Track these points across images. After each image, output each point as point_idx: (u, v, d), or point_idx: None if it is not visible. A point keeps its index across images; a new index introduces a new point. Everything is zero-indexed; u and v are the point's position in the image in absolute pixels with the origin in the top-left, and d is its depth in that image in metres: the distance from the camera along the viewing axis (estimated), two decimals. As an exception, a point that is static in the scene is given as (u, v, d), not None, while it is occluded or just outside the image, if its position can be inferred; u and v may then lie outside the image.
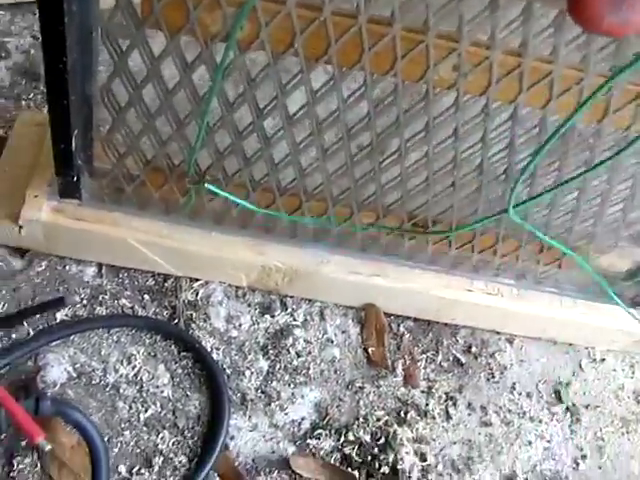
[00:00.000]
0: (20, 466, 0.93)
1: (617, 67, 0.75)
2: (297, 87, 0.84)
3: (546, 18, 0.76)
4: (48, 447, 0.79)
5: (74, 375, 1.01)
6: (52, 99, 0.82)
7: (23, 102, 1.24)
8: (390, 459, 1.05)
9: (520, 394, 1.19)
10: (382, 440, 1.07)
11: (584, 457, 1.17)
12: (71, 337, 1.04)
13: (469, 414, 1.15)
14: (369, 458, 1.05)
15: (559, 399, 1.21)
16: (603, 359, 1.27)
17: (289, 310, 1.14)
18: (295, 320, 1.14)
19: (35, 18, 1.31)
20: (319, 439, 1.06)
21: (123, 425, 1.00)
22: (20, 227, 1.02)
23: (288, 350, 1.11)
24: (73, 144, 0.89)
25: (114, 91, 0.87)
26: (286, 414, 1.07)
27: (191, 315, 1.09)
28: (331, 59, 0.79)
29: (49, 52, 0.76)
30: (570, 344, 1.26)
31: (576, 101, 0.82)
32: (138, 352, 1.05)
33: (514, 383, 1.20)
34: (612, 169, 0.95)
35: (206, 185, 0.94)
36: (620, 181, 0.97)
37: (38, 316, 1.04)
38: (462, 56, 0.79)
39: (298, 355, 1.11)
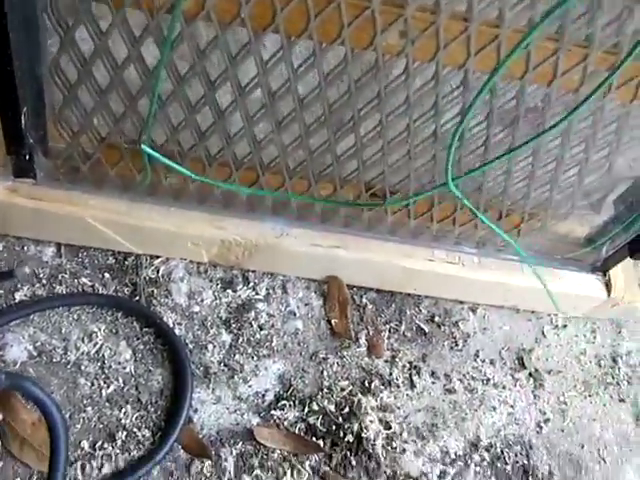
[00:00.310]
0: (-20, 444, 0.94)
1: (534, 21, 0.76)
2: (247, 58, 0.83)
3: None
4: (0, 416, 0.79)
5: (34, 354, 1.01)
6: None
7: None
8: (355, 428, 1.06)
9: (483, 361, 1.21)
10: (346, 409, 1.08)
11: (547, 421, 1.19)
12: (31, 316, 1.03)
13: (433, 382, 1.16)
14: (334, 427, 1.06)
15: (522, 365, 1.23)
16: (565, 325, 1.29)
17: (251, 284, 1.15)
18: (257, 294, 1.14)
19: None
20: (283, 410, 1.06)
21: (85, 401, 1.00)
22: (-28, 210, 1.01)
23: (251, 323, 1.11)
24: (23, 122, 0.88)
25: (64, 69, 0.86)
26: (250, 386, 1.07)
27: (152, 292, 1.09)
28: (278, 28, 0.79)
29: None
30: (532, 311, 1.28)
31: (524, 63, 0.82)
32: (99, 329, 1.05)
33: (477, 351, 1.22)
34: (564, 133, 0.95)
35: (143, 147, 0.93)
36: (573, 145, 0.98)
37: (-4, 297, 1.04)
38: (409, 22, 0.79)
39: (261, 328, 1.11)
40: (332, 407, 1.07)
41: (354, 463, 1.05)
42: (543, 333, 1.27)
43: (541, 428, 1.18)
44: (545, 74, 0.84)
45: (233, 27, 0.80)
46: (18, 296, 1.04)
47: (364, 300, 1.19)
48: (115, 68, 0.85)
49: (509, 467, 1.13)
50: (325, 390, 1.09)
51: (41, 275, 1.07)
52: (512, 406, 1.18)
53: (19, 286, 1.05)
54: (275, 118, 0.92)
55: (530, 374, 1.22)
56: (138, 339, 1.06)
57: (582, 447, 1.19)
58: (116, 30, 0.81)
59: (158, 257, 1.12)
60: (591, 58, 0.82)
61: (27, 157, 0.95)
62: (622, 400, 1.25)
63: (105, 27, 0.81)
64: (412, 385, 1.15)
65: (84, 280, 1.08)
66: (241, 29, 0.80)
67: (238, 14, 0.78)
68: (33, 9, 0.79)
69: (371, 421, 1.07)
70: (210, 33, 0.82)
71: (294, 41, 0.81)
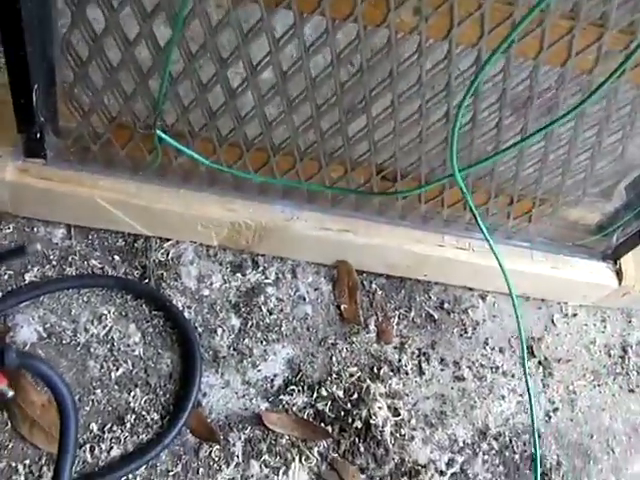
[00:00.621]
0: (-9, 426, 0.94)
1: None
2: (259, 36, 0.83)
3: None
4: (10, 393, 0.78)
5: (44, 335, 1.01)
6: (9, 51, 0.81)
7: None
8: (363, 414, 1.05)
9: (493, 349, 1.20)
10: (355, 396, 1.07)
11: (556, 410, 1.18)
12: (40, 298, 1.03)
13: (442, 369, 1.16)
14: (342, 413, 1.05)
15: (531, 354, 1.22)
16: (575, 314, 1.28)
17: (261, 268, 1.14)
18: (267, 278, 1.14)
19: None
20: (292, 395, 1.06)
21: (94, 384, 1.00)
22: (-17, 191, 1.01)
23: (260, 308, 1.11)
24: (34, 99, 0.88)
25: (75, 46, 0.86)
26: (259, 371, 1.07)
27: (162, 275, 1.09)
28: (291, 4, 0.79)
29: (1, 2, 0.75)
30: (542, 299, 1.27)
31: (538, 42, 0.82)
32: (109, 312, 1.05)
33: (487, 338, 1.21)
34: (577, 117, 0.95)
35: (158, 132, 0.93)
36: (586, 129, 0.98)
37: (7, 278, 1.03)
38: (423, -2, 0.78)
39: (270, 313, 1.11)
40: (341, 393, 1.07)
41: (362, 449, 1.05)
42: (553, 321, 1.27)
43: (550, 417, 1.17)
44: (559, 54, 0.84)
45: (245, 3, 0.79)
46: (28, 277, 1.04)
47: (374, 286, 1.19)
48: (126, 45, 0.85)
49: (517, 456, 1.12)
50: (334, 376, 1.09)
51: (51, 256, 1.07)
52: (521, 395, 1.17)
53: (29, 267, 1.04)
54: (286, 98, 0.92)
55: (539, 363, 1.21)
56: (147, 322, 1.05)
57: (591, 437, 1.18)
58: (127, 6, 0.81)
59: (168, 240, 1.12)
60: (606, 37, 0.81)
61: (38, 136, 0.95)
62: (632, 390, 1.24)
63: (116, 3, 0.81)
64: (421, 372, 1.14)
65: (94, 262, 1.08)
66: (253, 6, 0.80)
67: (251, -11, 0.78)
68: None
69: (380, 408, 1.07)
70: (221, 11, 0.81)
71: (307, 18, 0.81)
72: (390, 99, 0.91)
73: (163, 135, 0.93)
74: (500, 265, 0.98)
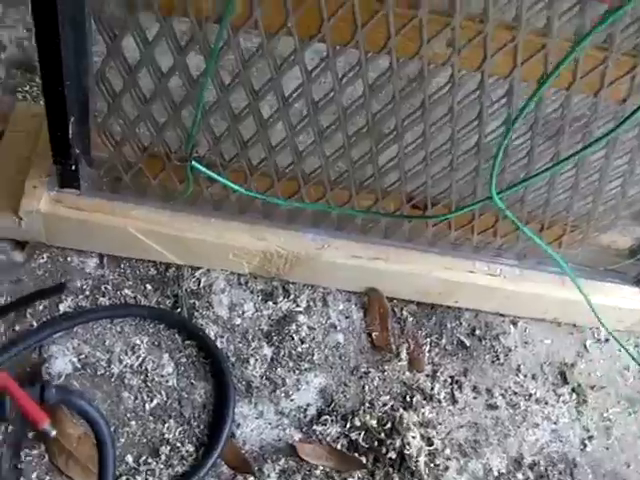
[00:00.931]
0: (27, 458, 0.94)
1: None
2: (292, 67, 0.84)
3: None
4: (53, 433, 0.79)
5: (79, 366, 1.01)
6: (47, 85, 0.82)
7: (19, 95, 1.25)
8: (397, 444, 1.05)
9: (525, 376, 1.19)
10: (388, 425, 1.06)
11: (591, 438, 1.16)
12: (75, 328, 1.04)
13: (475, 397, 1.15)
14: (376, 443, 1.05)
15: (565, 380, 1.21)
16: (608, 339, 1.27)
17: (292, 296, 1.14)
18: (298, 306, 1.14)
19: (28, 10, 1.31)
20: (325, 425, 1.05)
21: (129, 415, 1.00)
22: (20, 219, 1.02)
23: (292, 336, 1.11)
24: (70, 131, 0.89)
25: (109, 77, 0.87)
26: (292, 401, 1.06)
27: (194, 304, 1.09)
28: (325, 37, 0.79)
29: (41, 35, 0.76)
30: (574, 325, 1.26)
31: (571, 73, 0.82)
32: (142, 342, 1.05)
33: (519, 365, 1.20)
34: (610, 144, 0.94)
35: (193, 163, 0.94)
36: (618, 156, 0.97)
37: (42, 308, 1.04)
38: (456, 31, 0.78)
39: (302, 341, 1.11)
40: (374, 422, 1.06)
41: (396, 480, 1.04)
42: (585, 347, 1.25)
43: (585, 446, 1.16)
44: (592, 84, 0.84)
45: (280, 36, 0.80)
46: (62, 308, 1.05)
47: (405, 313, 1.18)
48: (160, 77, 0.86)
49: (553, 486, 1.11)
50: (367, 405, 1.08)
51: (84, 287, 1.07)
52: (555, 422, 1.16)
53: (63, 298, 1.05)
54: (317, 128, 0.92)
55: (573, 389, 1.20)
56: (180, 352, 1.06)
57: (628, 466, 1.16)
58: (162, 39, 0.82)
59: (199, 268, 1.12)
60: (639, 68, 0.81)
61: (73, 167, 0.96)
62: (668, 417, 1.23)
63: (151, 36, 0.82)
64: (454, 400, 1.13)
65: (126, 291, 1.08)
66: (287, 38, 0.80)
67: (285, 23, 0.78)
68: (82, 18, 0.79)
69: (413, 437, 1.06)
70: (254, 43, 0.82)
71: (340, 50, 0.81)
72: (422, 129, 0.91)
73: (197, 165, 0.94)
74: (585, 297, 0.98)
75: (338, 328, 1.14)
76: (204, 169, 0.94)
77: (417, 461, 1.05)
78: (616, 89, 0.85)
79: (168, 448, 0.98)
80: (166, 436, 0.99)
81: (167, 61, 0.84)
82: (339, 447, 1.04)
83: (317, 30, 0.79)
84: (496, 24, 0.78)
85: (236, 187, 0.97)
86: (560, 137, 0.93)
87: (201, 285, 1.11)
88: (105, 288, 1.08)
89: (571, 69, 0.82)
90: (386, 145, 0.95)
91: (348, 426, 1.06)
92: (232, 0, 0.75)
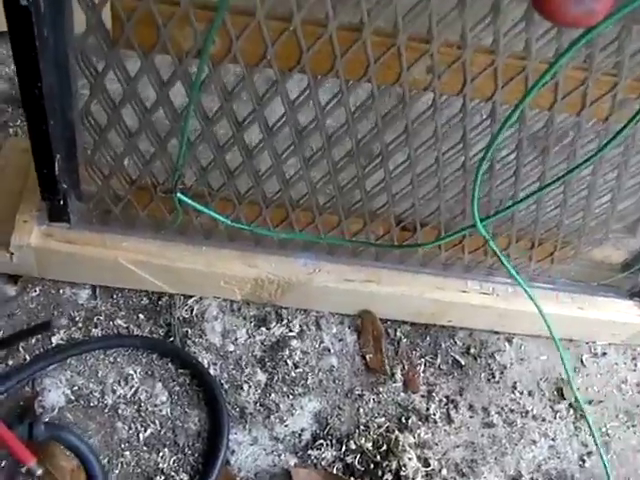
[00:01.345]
0: (22, 491, 0.94)
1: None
2: (274, 98, 0.84)
3: (516, 12, 0.76)
4: (39, 472, 0.79)
5: (72, 398, 1.01)
6: (31, 125, 0.83)
7: (10, 129, 1.26)
8: (393, 466, 1.04)
9: (522, 393, 1.19)
10: (384, 447, 1.06)
11: (590, 454, 1.16)
12: (68, 360, 1.04)
13: (471, 416, 1.15)
14: (372, 466, 1.05)
15: (562, 396, 1.20)
16: (604, 353, 1.27)
17: (285, 321, 1.14)
18: (291, 331, 1.14)
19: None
20: (320, 449, 1.05)
21: (123, 445, 1.00)
22: (11, 253, 1.02)
23: (285, 361, 1.11)
24: (56, 168, 0.89)
25: (94, 113, 0.87)
26: (286, 426, 1.06)
27: (186, 332, 1.10)
28: (304, 68, 0.80)
29: (23, 78, 0.77)
30: (570, 339, 1.26)
31: (552, 94, 0.82)
32: (135, 372, 1.05)
33: (515, 382, 1.20)
34: (596, 162, 0.94)
35: (178, 195, 0.94)
36: (605, 172, 0.97)
37: (34, 341, 1.04)
38: (435, 57, 0.79)
39: (296, 366, 1.11)
40: (369, 445, 1.06)
41: (394, 501, 1.04)
42: (582, 362, 1.25)
43: (584, 462, 1.15)
44: (574, 104, 0.84)
45: (260, 68, 0.80)
46: (55, 340, 1.05)
47: (398, 334, 1.18)
48: (144, 112, 0.86)
49: (552, 503, 1.11)
50: (362, 428, 1.08)
51: (77, 318, 1.08)
52: (553, 439, 1.16)
53: (55, 330, 1.05)
54: (303, 155, 0.92)
55: (570, 405, 1.20)
56: (174, 381, 1.06)
57: (627, 480, 1.16)
58: (144, 75, 0.82)
59: (191, 296, 1.12)
60: (620, 86, 0.81)
61: (62, 202, 0.97)
62: (667, 430, 1.22)
63: (133, 71, 0.82)
64: (450, 420, 1.13)
65: (119, 322, 1.09)
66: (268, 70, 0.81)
67: (264, 56, 0.79)
68: (64, 57, 0.80)
69: (409, 458, 1.05)
70: (236, 75, 0.83)
71: (320, 80, 0.82)
72: (407, 152, 0.92)
73: (183, 197, 0.94)
74: (539, 309, 0.98)
75: (332, 351, 1.14)
76: (190, 201, 0.95)
77: (414, 483, 1.05)
78: (598, 108, 0.85)
79: (162, 477, 0.98)
80: (160, 465, 0.99)
81: (151, 92, 0.85)
82: (335, 471, 1.04)
83: (297, 61, 0.79)
84: (474, 49, 0.79)
85: (222, 219, 0.98)
86: (546, 156, 0.93)
87: (194, 313, 1.11)
88: (98, 319, 1.08)
89: (552, 90, 0.82)
90: (372, 169, 0.95)
91: (343, 449, 1.06)
92: (211, 35, 0.75)
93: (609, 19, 0.60)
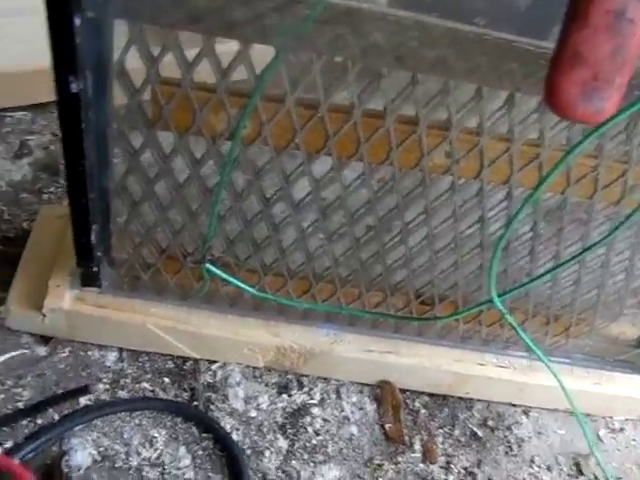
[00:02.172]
0: None
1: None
2: (300, 177, 0.89)
3: (530, 103, 0.81)
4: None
5: (98, 459, 1.04)
6: (72, 198, 0.88)
7: (44, 196, 1.32)
8: (410, 536, 1.06)
9: (540, 467, 1.20)
10: (402, 517, 1.08)
11: (609, 532, 1.16)
12: (94, 421, 1.07)
13: (489, 489, 1.16)
14: (388, 536, 1.06)
15: (580, 471, 1.21)
16: (622, 429, 1.27)
17: (306, 389, 1.17)
18: (312, 399, 1.16)
19: (54, 116, 1.40)
20: (339, 518, 1.07)
21: (146, 508, 1.02)
22: (44, 316, 1.07)
23: (306, 429, 1.13)
24: (93, 238, 0.94)
25: (129, 186, 0.93)
26: (306, 493, 1.08)
27: (210, 396, 1.12)
28: (330, 151, 0.85)
29: (69, 155, 0.82)
30: (587, 414, 1.27)
31: (565, 179, 0.86)
32: (160, 434, 1.08)
33: (533, 456, 1.20)
34: (609, 243, 0.98)
35: (207, 265, 0.99)
36: (619, 252, 1.00)
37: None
38: (453, 143, 0.83)
39: (317, 433, 1.13)
40: (387, 514, 1.07)
41: None
42: (599, 437, 1.26)
43: (603, 540, 1.15)
44: (586, 188, 0.88)
45: (288, 151, 0.86)
46: (82, 401, 1.08)
47: (417, 404, 1.20)
48: (176, 187, 0.91)
49: None
50: (380, 497, 1.10)
51: (104, 379, 1.11)
52: (570, 514, 1.16)
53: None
54: (327, 230, 0.97)
55: (588, 480, 1.20)
56: (197, 445, 1.08)
57: None
58: (178, 154, 0.88)
59: (215, 362, 1.16)
60: (630, 173, 0.85)
61: (95, 268, 1.01)
62: (687, 508, 1.22)
63: (168, 147, 0.88)
64: (467, 492, 1.14)
65: (145, 385, 1.12)
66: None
67: (292, 139, 0.84)
68: (104, 133, 0.86)
69: (427, 529, 1.07)
70: (264, 152, 0.88)
71: (345, 162, 0.86)
72: (426, 230, 0.96)
73: (212, 268, 0.98)
74: (560, 383, 1.01)
75: (352, 420, 1.16)
76: (218, 272, 0.99)
77: None
78: (609, 192, 0.89)
79: (183, 543, 1.01)
80: (182, 529, 1.02)
81: (184, 169, 0.90)
82: (352, 541, 1.05)
83: (323, 145, 0.84)
84: (491, 136, 0.84)
85: (248, 289, 1.02)
86: (560, 235, 0.97)
87: (217, 378, 1.15)
88: (124, 381, 1.12)
89: (564, 175, 0.87)
90: (393, 245, 0.99)
91: (361, 520, 1.07)
92: (244, 120, 0.81)
93: (617, 116, 0.64)
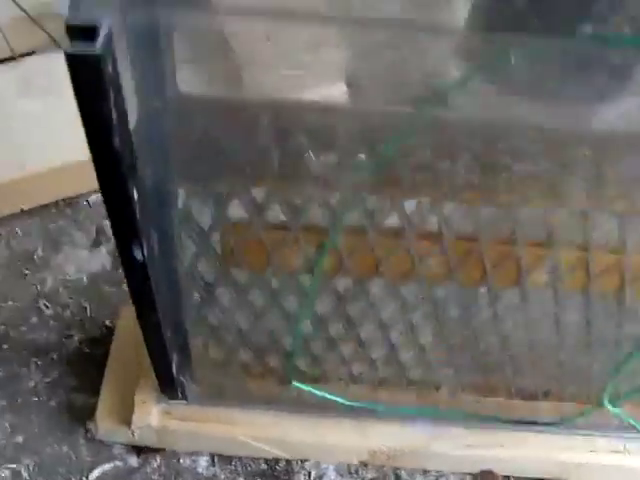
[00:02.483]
0: None
1: None
2: (386, 302, 0.83)
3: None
4: None
5: None
6: (150, 343, 0.85)
7: (125, 286, 1.28)
8: None
9: None
10: None
11: None
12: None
13: None
14: None
15: None
16: None
17: (405, 484, 1.12)
18: (411, 492, 1.11)
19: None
20: None
21: None
22: (133, 431, 1.04)
23: (408, 524, 1.08)
24: (174, 369, 0.91)
25: (206, 318, 0.88)
26: None
27: (306, 498, 1.09)
28: (419, 278, 0.78)
29: (142, 312, 0.79)
30: None
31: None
32: (259, 540, 1.05)
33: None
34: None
35: (294, 384, 0.94)
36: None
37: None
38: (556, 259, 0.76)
39: (418, 528, 1.08)
40: None
41: None
42: None
43: None
44: None
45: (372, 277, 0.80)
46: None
47: (523, 488, 1.13)
48: (256, 316, 0.87)
49: None
50: None
51: (197, 486, 1.09)
52: None
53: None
54: (418, 344, 0.91)
55: None
56: None
57: None
58: (255, 286, 0.83)
59: (308, 460, 1.11)
60: None
61: (179, 392, 0.98)
62: None
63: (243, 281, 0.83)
64: None
65: (238, 489, 1.09)
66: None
67: (375, 268, 0.78)
68: (175, 276, 0.81)
69: None
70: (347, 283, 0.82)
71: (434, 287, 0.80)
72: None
73: (299, 385, 0.94)
74: None
75: (455, 511, 1.10)
76: (305, 387, 0.94)
77: None
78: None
79: None
80: None
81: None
82: None
83: (408, 272, 0.78)
84: (596, 250, 0.76)
85: (338, 399, 0.97)
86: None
87: (312, 477, 1.10)
88: (217, 488, 1.09)
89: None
90: (491, 351, 0.92)
91: None
92: (322, 259, 0.75)
93: None
